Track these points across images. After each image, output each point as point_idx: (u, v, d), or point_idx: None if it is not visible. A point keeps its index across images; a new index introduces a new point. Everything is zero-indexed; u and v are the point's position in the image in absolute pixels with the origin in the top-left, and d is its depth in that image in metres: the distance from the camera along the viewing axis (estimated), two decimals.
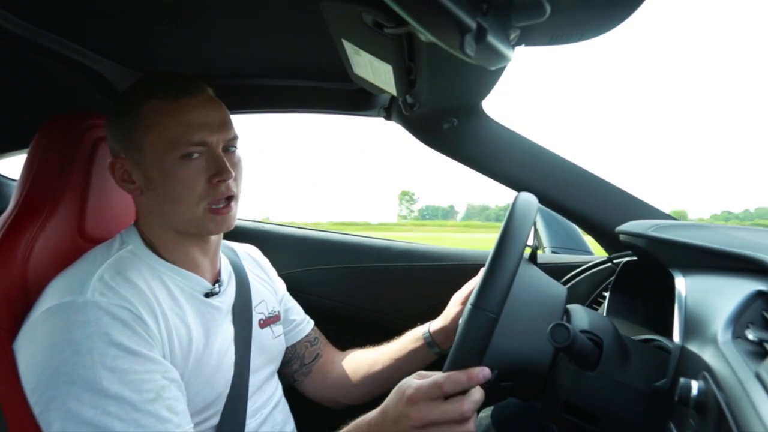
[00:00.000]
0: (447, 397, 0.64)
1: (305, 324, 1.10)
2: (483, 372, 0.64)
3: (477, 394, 0.64)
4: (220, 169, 0.78)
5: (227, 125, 0.81)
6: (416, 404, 0.64)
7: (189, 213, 0.78)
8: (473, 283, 0.99)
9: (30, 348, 0.68)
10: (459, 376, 0.63)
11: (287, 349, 1.05)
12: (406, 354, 1.01)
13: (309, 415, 1.05)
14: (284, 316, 1.06)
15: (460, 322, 0.68)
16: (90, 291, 0.69)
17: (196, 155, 0.77)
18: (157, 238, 0.82)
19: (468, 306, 0.66)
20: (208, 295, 0.84)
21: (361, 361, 1.06)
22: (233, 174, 0.79)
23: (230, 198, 0.80)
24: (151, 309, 0.73)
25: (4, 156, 1.56)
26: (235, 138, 0.83)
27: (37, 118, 0.89)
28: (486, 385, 0.65)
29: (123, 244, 0.80)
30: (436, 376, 0.65)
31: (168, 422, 0.67)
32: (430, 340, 1.00)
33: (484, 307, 0.63)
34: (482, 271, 0.68)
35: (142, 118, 0.77)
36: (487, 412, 0.97)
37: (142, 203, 0.82)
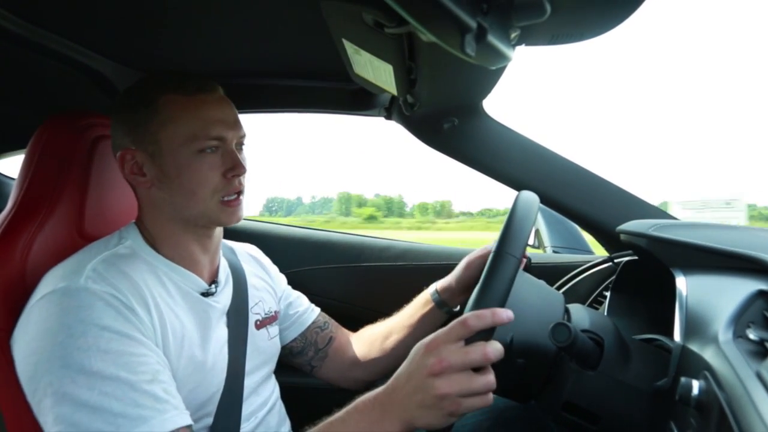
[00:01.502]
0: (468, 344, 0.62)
1: (310, 312, 1.10)
2: (507, 312, 0.61)
3: (498, 344, 0.61)
4: (235, 164, 0.81)
5: (239, 123, 0.84)
6: (436, 349, 0.62)
7: (202, 205, 0.80)
8: (485, 249, 0.99)
9: (25, 337, 0.68)
10: (484, 312, 0.61)
11: (297, 339, 1.06)
12: (418, 319, 1.03)
13: (305, 418, 1.05)
14: (285, 310, 1.06)
15: (484, 271, 0.68)
16: (83, 278, 0.70)
17: (211, 150, 0.79)
18: (159, 233, 0.82)
19: (490, 256, 0.68)
20: (204, 294, 0.84)
21: (376, 337, 1.07)
22: (246, 169, 0.82)
23: (240, 192, 0.83)
24: (143, 301, 0.73)
25: (6, 155, 1.56)
26: (245, 136, 0.85)
27: (38, 118, 0.89)
28: (504, 346, 0.64)
29: (121, 240, 0.81)
30: (458, 318, 0.63)
31: (166, 402, 0.66)
32: (439, 300, 1.02)
33: (506, 250, 0.65)
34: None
35: (158, 111, 0.78)
36: (486, 415, 0.97)
37: (150, 196, 0.82)
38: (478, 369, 0.61)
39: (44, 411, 0.64)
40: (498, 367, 0.63)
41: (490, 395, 0.62)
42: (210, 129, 0.79)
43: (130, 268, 0.75)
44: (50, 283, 0.71)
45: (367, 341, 1.08)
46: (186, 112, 0.78)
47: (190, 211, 0.80)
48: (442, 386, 0.60)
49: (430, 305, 1.02)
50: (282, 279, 1.11)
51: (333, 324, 1.12)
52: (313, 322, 1.09)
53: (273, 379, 1.00)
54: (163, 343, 0.74)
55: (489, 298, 0.64)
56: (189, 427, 0.68)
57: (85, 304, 0.67)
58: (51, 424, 0.63)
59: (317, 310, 1.12)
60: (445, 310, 1.03)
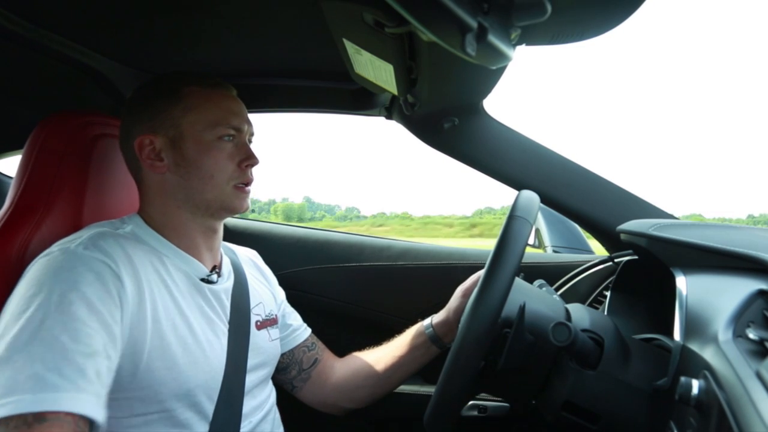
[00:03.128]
0: None
1: (302, 330, 1.10)
2: None
3: None
4: (249, 154, 0.86)
5: (250, 120, 0.90)
6: None
7: (218, 190, 0.83)
8: (477, 276, 1.00)
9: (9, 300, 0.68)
10: None
11: (284, 355, 1.05)
12: (408, 350, 1.02)
13: (301, 426, 1.04)
14: (281, 321, 1.06)
15: (499, 234, 0.71)
16: (75, 244, 0.71)
17: (229, 138, 0.84)
18: (165, 222, 0.84)
19: (504, 221, 0.71)
20: (204, 281, 0.85)
21: (363, 363, 1.06)
22: (259, 161, 0.87)
23: (250, 183, 0.88)
24: (134, 272, 0.73)
25: (6, 155, 1.56)
26: (254, 134, 0.91)
27: (38, 118, 0.89)
28: (516, 313, 0.65)
29: (124, 224, 0.82)
30: None
31: (89, 383, 0.62)
32: (433, 334, 1.01)
33: (520, 214, 0.69)
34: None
35: (181, 99, 0.83)
36: (484, 413, 0.97)
37: (163, 182, 0.83)
38: None
39: None
40: (508, 339, 0.65)
41: None
42: (230, 118, 0.84)
43: (128, 246, 0.76)
44: (46, 249, 0.72)
45: (353, 368, 1.07)
46: (208, 101, 0.84)
47: (205, 195, 0.83)
48: None
49: (423, 338, 1.02)
50: (281, 291, 1.11)
51: (320, 346, 1.11)
52: (303, 341, 1.08)
53: (270, 384, 0.99)
54: (152, 317, 0.73)
55: (505, 259, 0.66)
56: (92, 422, 0.62)
57: (67, 266, 0.67)
58: None
59: (309, 330, 1.12)
60: (437, 344, 1.02)
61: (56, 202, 0.84)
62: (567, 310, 0.78)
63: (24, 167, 0.84)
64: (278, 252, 1.39)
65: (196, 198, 0.83)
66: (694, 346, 0.57)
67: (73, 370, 0.61)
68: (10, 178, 1.63)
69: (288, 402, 1.07)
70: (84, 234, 0.74)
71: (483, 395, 1.12)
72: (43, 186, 0.84)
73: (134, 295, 0.72)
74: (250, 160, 0.86)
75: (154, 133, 0.82)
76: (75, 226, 0.86)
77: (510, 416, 1.08)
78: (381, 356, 1.05)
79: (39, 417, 0.58)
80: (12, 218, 0.80)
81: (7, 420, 0.56)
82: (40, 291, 0.65)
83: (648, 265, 0.98)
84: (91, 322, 0.65)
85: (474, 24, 0.41)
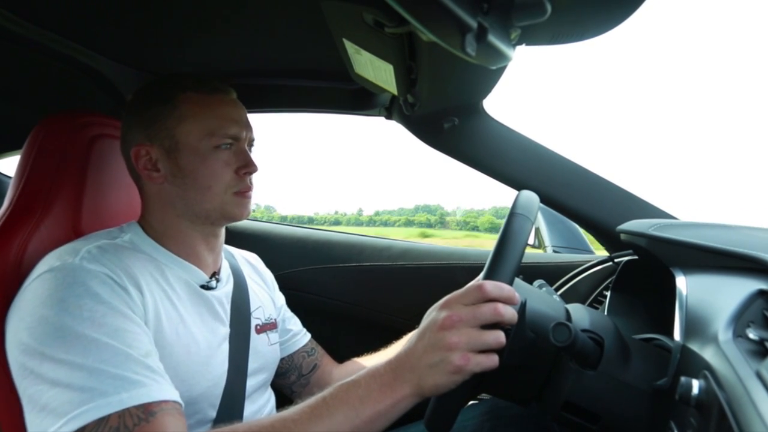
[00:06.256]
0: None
1: (302, 335, 1.10)
2: (519, 297, 0.65)
3: (511, 308, 0.64)
4: (247, 162, 0.84)
5: (250, 125, 0.88)
6: (449, 307, 0.65)
7: (217, 199, 0.82)
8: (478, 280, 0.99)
9: (19, 314, 0.67)
10: (502, 284, 0.64)
11: (284, 359, 1.05)
12: None
13: None
14: (282, 326, 1.06)
15: (499, 233, 0.71)
16: (79, 258, 0.70)
17: (226, 147, 0.82)
18: (165, 230, 0.83)
19: (506, 218, 0.71)
20: (204, 288, 0.85)
21: (361, 368, 1.06)
22: (258, 168, 0.85)
23: (249, 190, 0.85)
24: (136, 283, 0.73)
25: (6, 155, 1.56)
26: (254, 138, 0.89)
27: (38, 118, 0.89)
28: (518, 309, 0.66)
29: (121, 234, 0.82)
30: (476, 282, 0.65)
31: (161, 376, 0.66)
32: None
33: (521, 212, 0.69)
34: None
35: (176, 107, 0.80)
36: (487, 415, 0.97)
37: (161, 192, 0.83)
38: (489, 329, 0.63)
39: (36, 382, 0.62)
40: (509, 333, 0.65)
41: (496, 357, 0.63)
42: (227, 127, 0.82)
43: (126, 257, 0.75)
44: (46, 263, 0.71)
45: (350, 373, 1.06)
46: (204, 109, 0.81)
47: (204, 205, 0.82)
48: (452, 338, 0.61)
49: None
50: (281, 295, 1.10)
51: (320, 352, 1.11)
52: (303, 346, 1.08)
53: (269, 389, 0.98)
54: (155, 327, 0.73)
55: (505, 255, 0.66)
56: (180, 405, 0.67)
57: (80, 281, 0.67)
58: (46, 389, 0.61)
59: (308, 335, 1.12)
60: None
61: (55, 202, 0.84)
62: (567, 311, 0.78)
63: (23, 167, 0.84)
64: (278, 252, 1.39)
65: (196, 208, 0.82)
66: (694, 346, 0.57)
67: (142, 368, 0.64)
68: (10, 178, 1.64)
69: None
70: (82, 246, 0.73)
71: (483, 395, 1.12)
72: (42, 186, 0.83)
73: (141, 305, 0.72)
74: (248, 168, 0.84)
75: (150, 143, 0.81)
76: (74, 226, 0.86)
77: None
78: (379, 361, 1.04)
79: (147, 411, 0.61)
80: (11, 219, 0.80)
81: (121, 415, 0.59)
82: (67, 308, 0.64)
83: (648, 265, 0.98)
84: (128, 326, 0.67)
85: (474, 24, 0.41)
